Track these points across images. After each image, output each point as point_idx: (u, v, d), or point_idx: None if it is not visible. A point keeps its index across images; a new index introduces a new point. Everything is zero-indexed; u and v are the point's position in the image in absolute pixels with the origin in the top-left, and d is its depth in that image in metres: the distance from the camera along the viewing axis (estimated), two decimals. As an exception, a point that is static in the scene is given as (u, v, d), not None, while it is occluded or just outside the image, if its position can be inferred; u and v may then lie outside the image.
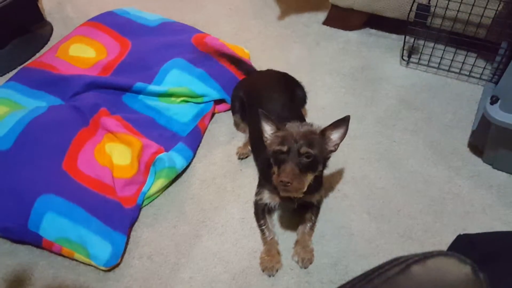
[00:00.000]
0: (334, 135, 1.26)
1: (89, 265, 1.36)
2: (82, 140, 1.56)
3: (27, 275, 1.35)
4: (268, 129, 1.30)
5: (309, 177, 1.23)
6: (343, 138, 1.27)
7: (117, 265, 1.36)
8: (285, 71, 1.75)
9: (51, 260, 1.39)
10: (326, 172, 1.59)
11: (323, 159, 1.27)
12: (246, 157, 1.66)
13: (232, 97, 1.72)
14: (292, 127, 1.25)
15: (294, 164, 1.17)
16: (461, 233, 1.07)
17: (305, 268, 1.35)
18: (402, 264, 0.50)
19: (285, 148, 1.19)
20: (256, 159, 1.57)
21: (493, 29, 1.79)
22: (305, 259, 1.35)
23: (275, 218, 1.48)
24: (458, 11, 1.79)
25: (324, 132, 1.25)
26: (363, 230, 1.45)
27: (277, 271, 1.35)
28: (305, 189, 1.22)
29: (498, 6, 1.70)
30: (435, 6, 1.81)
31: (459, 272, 0.49)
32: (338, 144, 1.28)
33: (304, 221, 1.42)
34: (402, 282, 0.49)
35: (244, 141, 1.70)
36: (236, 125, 1.76)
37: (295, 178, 1.16)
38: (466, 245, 0.80)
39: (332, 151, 1.28)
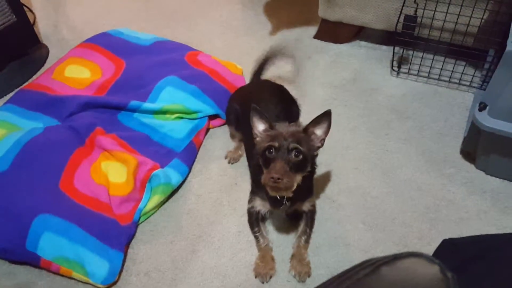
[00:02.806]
0: (318, 131, 1.28)
1: (87, 283, 1.36)
2: (78, 159, 1.58)
3: (26, 296, 1.36)
4: (259, 126, 1.31)
5: (298, 176, 1.24)
6: (328, 133, 1.29)
7: (115, 282, 1.37)
8: (283, 86, 1.77)
9: (49, 279, 1.39)
10: (321, 182, 1.62)
11: (311, 157, 1.28)
12: (237, 162, 1.69)
13: (227, 109, 1.74)
14: (281, 126, 1.28)
15: (284, 161, 1.19)
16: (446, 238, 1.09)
17: (302, 281, 1.35)
18: (372, 266, 0.52)
19: (276, 144, 1.21)
20: (250, 166, 1.58)
21: (480, 37, 1.82)
22: (302, 272, 1.35)
23: (271, 229, 1.49)
24: (444, 21, 1.82)
25: (306, 130, 1.27)
26: (358, 240, 1.46)
27: (270, 277, 1.35)
28: (295, 187, 1.23)
29: (483, 14, 1.74)
30: (422, 16, 1.85)
31: (427, 272, 0.50)
32: (323, 139, 1.29)
33: (299, 234, 1.43)
34: (371, 283, 0.50)
35: (235, 146, 1.72)
36: (232, 136, 1.79)
37: (285, 175, 1.18)
38: (450, 249, 0.81)
39: (319, 147, 1.30)
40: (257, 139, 1.31)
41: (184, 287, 1.36)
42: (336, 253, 1.43)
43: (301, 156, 1.22)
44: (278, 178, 1.16)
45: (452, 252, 0.78)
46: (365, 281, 0.51)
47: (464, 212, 1.51)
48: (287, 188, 1.21)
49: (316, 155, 1.34)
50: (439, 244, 0.87)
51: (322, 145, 1.30)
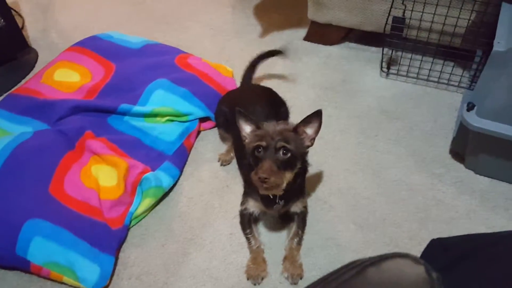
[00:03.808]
0: (309, 130, 1.29)
1: (78, 288, 1.36)
2: (68, 163, 1.57)
3: (16, 302, 1.35)
4: (246, 128, 1.32)
5: (288, 174, 1.24)
6: (318, 132, 1.29)
7: (106, 287, 1.36)
8: (271, 88, 1.78)
9: (40, 285, 1.38)
10: (312, 183, 1.62)
11: (301, 155, 1.29)
12: (229, 164, 1.70)
13: (216, 112, 1.75)
14: (269, 125, 1.29)
15: (272, 160, 1.20)
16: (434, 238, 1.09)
17: (295, 284, 1.35)
18: (358, 267, 0.52)
19: (264, 143, 1.22)
20: (241, 168, 1.59)
21: (467, 38, 1.84)
22: (295, 274, 1.35)
23: (263, 232, 1.49)
24: (432, 22, 1.84)
25: (296, 129, 1.28)
26: (350, 241, 1.46)
27: (262, 279, 1.36)
28: (284, 185, 1.24)
29: (470, 15, 1.76)
30: (410, 18, 1.87)
31: (412, 273, 0.51)
32: (314, 139, 1.30)
33: (291, 236, 1.43)
34: (357, 284, 0.51)
35: (226, 148, 1.72)
36: (223, 138, 1.79)
37: (273, 174, 1.18)
38: (438, 249, 0.82)
39: (309, 146, 1.31)
40: (246, 140, 1.32)
41: (176, 290, 1.36)
42: (328, 254, 1.43)
43: (289, 154, 1.22)
44: (266, 178, 1.17)
45: (441, 252, 0.79)
46: (351, 282, 0.51)
47: (454, 211, 1.53)
48: (276, 186, 1.22)
49: (306, 153, 1.34)
50: (428, 244, 0.87)
51: (312, 144, 1.31)
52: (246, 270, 1.37)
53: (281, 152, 1.22)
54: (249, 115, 1.31)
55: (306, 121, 1.27)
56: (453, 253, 0.74)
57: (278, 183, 1.21)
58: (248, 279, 1.36)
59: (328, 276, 0.53)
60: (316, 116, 1.27)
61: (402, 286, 0.50)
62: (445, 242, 0.83)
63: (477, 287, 0.65)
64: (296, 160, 1.27)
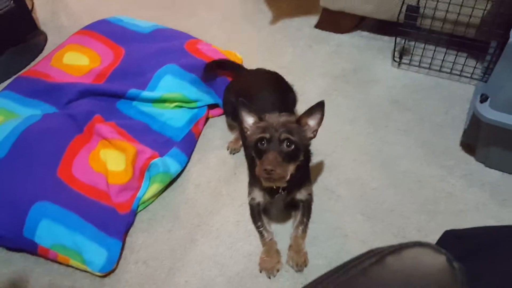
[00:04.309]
0: (311, 122, 1.27)
1: (84, 271, 1.36)
2: (76, 147, 1.57)
3: (23, 283, 1.36)
4: (248, 120, 1.31)
5: (291, 166, 1.24)
6: (321, 124, 1.28)
7: (113, 270, 1.37)
8: (278, 73, 1.75)
9: (46, 267, 1.39)
10: (320, 173, 1.61)
11: (304, 147, 1.27)
12: (238, 152, 1.69)
13: (224, 99, 1.73)
14: (272, 117, 1.27)
15: (276, 152, 1.19)
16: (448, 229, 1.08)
17: (300, 271, 1.35)
18: (377, 255, 0.51)
19: (267, 135, 1.21)
20: (247, 157, 1.58)
21: (482, 29, 1.81)
22: (300, 262, 1.35)
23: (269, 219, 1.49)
24: (447, 11, 1.80)
25: (299, 120, 1.27)
26: (357, 231, 1.45)
27: (277, 271, 1.35)
28: (288, 177, 1.23)
29: (486, 5, 1.72)
30: (424, 7, 1.83)
31: (434, 262, 0.50)
32: (316, 130, 1.29)
33: (297, 224, 1.43)
34: (377, 272, 0.50)
35: (235, 136, 1.72)
36: (230, 126, 1.78)
37: (278, 166, 1.17)
38: (452, 240, 0.80)
39: (311, 138, 1.29)
40: (248, 132, 1.31)
41: (182, 275, 1.36)
42: (334, 243, 1.42)
43: (293, 146, 1.21)
44: (271, 170, 1.16)
45: (455, 244, 0.77)
46: (370, 270, 0.50)
47: (463, 204, 1.51)
48: (280, 178, 1.21)
49: (309, 145, 1.33)
50: (441, 235, 0.86)
51: (315, 136, 1.30)
52: (260, 263, 1.37)
53: (285, 144, 1.21)
54: (251, 106, 1.30)
55: (309, 112, 1.26)
56: (468, 245, 0.73)
57: (282, 175, 1.20)
58: (261, 271, 1.35)
59: (346, 264, 0.52)
60: (318, 108, 1.25)
61: (423, 276, 0.49)
62: (460, 234, 0.82)
63: (492, 281, 0.64)
64: (299, 152, 1.25)
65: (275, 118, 1.26)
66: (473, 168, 1.62)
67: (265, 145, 1.21)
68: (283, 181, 1.24)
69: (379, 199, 1.54)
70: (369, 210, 1.51)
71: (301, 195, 1.41)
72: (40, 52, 2.21)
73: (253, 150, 1.27)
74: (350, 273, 0.51)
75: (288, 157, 1.21)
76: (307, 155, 1.35)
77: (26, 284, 1.35)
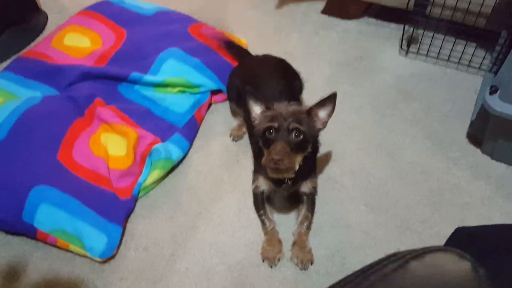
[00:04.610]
0: (322, 113, 1.25)
1: (84, 256, 1.35)
2: (77, 130, 1.55)
3: (22, 267, 1.34)
4: (256, 109, 1.28)
5: (299, 157, 1.22)
6: (331, 116, 1.26)
7: (113, 256, 1.35)
8: (285, 60, 1.71)
9: (46, 251, 1.38)
10: (323, 162, 1.59)
11: (312, 138, 1.25)
12: (241, 139, 1.66)
13: (228, 84, 1.70)
14: (280, 106, 1.24)
15: (285, 142, 1.16)
16: (460, 226, 1.05)
17: (305, 269, 1.32)
18: (399, 260, 0.48)
19: (276, 125, 1.18)
20: (252, 145, 1.55)
21: (493, 19, 1.77)
22: (305, 260, 1.33)
23: (271, 210, 1.47)
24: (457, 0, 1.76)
25: (310, 111, 1.24)
26: (360, 222, 1.44)
27: (278, 260, 1.34)
28: (296, 168, 1.21)
29: (499, -6, 1.68)
30: (435, -6, 1.79)
31: (458, 268, 0.47)
32: (326, 122, 1.27)
33: (301, 220, 1.40)
34: (399, 278, 0.47)
35: (238, 123, 1.69)
36: (234, 113, 1.75)
37: (286, 156, 1.15)
38: (465, 238, 0.78)
39: (320, 129, 1.27)
40: (256, 122, 1.28)
41: (183, 263, 1.35)
42: (337, 234, 1.41)
43: (301, 137, 1.19)
44: (279, 160, 1.13)
45: (467, 243, 0.75)
46: (393, 276, 0.48)
47: (468, 196, 1.49)
48: (288, 169, 1.19)
49: (317, 136, 1.31)
50: (453, 232, 0.84)
51: (324, 127, 1.28)
52: (261, 252, 1.35)
53: (293, 134, 1.18)
54: (259, 95, 1.27)
55: (320, 103, 1.24)
56: (481, 244, 0.70)
57: (290, 166, 1.18)
58: (263, 261, 1.34)
59: (367, 269, 0.49)
60: (330, 99, 1.23)
61: (448, 282, 0.47)
62: (472, 232, 0.79)
63: (508, 281, 0.61)
64: (308, 143, 1.23)
65: (284, 107, 1.23)
66: (479, 160, 1.60)
67: (273, 134, 1.19)
68: (291, 172, 1.21)
69: (383, 190, 1.52)
70: (373, 200, 1.49)
71: (306, 187, 1.39)
72: (41, 32, 2.17)
73: (261, 140, 1.24)
74: (370, 278, 0.48)
75: (296, 148, 1.19)
76: (315, 145, 1.32)
77: (25, 268, 1.34)
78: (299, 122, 1.19)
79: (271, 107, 1.25)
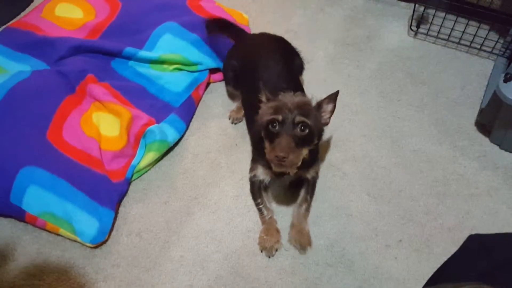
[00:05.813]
0: (328, 108, 1.21)
1: (75, 241, 1.30)
2: (67, 108, 1.47)
3: (10, 250, 1.30)
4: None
5: (305, 152, 1.16)
6: (333, 112, 1.23)
7: (105, 241, 1.31)
8: (284, 38, 1.63)
9: (35, 235, 1.33)
10: (325, 148, 1.53)
11: (318, 132, 1.19)
12: (240, 122, 1.60)
13: (224, 66, 1.61)
14: (285, 97, 1.17)
15: (290, 137, 1.10)
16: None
17: (303, 252, 1.29)
18: None
19: (280, 117, 1.11)
20: (250, 131, 1.48)
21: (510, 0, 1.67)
22: (303, 243, 1.29)
23: (271, 199, 1.42)
24: (473, -22, 1.67)
25: (321, 104, 1.19)
26: (362, 211, 1.39)
27: (276, 250, 1.29)
28: (300, 163, 1.15)
29: (518, -26, 1.58)
30: (449, -28, 1.69)
31: None
32: (330, 118, 1.23)
33: (299, 202, 1.35)
34: None
35: (237, 105, 1.62)
36: (231, 96, 1.67)
37: (291, 152, 1.09)
38: (479, 248, 0.73)
39: (324, 124, 1.22)
40: (258, 112, 1.21)
41: (177, 249, 1.30)
42: (337, 223, 1.36)
43: (307, 131, 1.12)
44: (284, 157, 1.07)
45: (481, 253, 0.70)
46: None
47: (475, 188, 1.44)
48: (292, 165, 1.13)
49: (323, 130, 1.25)
50: (465, 240, 0.78)
51: (328, 123, 1.23)
52: (259, 242, 1.31)
53: (299, 128, 1.11)
54: (262, 84, 1.21)
55: (330, 98, 1.20)
56: (497, 256, 0.65)
57: (295, 161, 1.12)
58: (261, 251, 1.29)
59: None
60: (334, 96, 1.20)
61: None
62: (487, 242, 0.74)
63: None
64: (314, 137, 1.16)
65: (289, 98, 1.16)
66: (487, 150, 1.54)
67: (277, 127, 1.11)
68: (295, 167, 1.15)
69: (386, 179, 1.46)
70: (376, 189, 1.44)
71: (308, 174, 1.33)
72: (31, 2, 2.06)
73: (264, 132, 1.17)
74: None
75: (301, 142, 1.12)
76: (320, 136, 1.25)
77: (13, 251, 1.29)
78: (305, 115, 1.12)
79: (274, 98, 1.17)
